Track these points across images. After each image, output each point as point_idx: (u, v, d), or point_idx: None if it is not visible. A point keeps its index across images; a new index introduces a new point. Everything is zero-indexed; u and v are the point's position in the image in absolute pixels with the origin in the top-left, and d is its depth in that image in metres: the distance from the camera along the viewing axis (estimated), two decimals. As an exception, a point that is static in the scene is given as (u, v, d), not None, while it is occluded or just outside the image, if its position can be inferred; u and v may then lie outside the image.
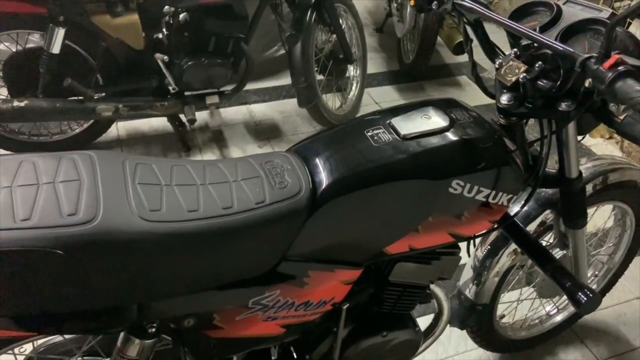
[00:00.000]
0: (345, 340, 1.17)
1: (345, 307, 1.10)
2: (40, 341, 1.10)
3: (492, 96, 1.15)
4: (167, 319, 0.95)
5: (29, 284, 0.76)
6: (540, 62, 1.01)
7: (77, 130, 2.54)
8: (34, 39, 2.32)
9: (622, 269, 1.77)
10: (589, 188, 1.39)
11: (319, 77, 2.72)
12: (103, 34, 2.23)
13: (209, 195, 0.89)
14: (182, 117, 2.56)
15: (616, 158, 1.52)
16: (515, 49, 1.06)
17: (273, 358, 1.19)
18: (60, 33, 2.14)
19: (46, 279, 0.77)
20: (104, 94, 2.33)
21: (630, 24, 2.40)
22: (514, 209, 1.19)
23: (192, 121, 2.48)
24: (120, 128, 2.76)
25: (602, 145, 2.80)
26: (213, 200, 0.88)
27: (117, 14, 2.22)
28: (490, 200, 1.05)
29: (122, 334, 0.97)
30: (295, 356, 1.20)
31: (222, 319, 0.99)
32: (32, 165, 0.83)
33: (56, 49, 2.16)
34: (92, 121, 2.51)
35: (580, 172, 1.24)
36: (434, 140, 1.01)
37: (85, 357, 1.10)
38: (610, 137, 2.84)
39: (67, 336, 1.10)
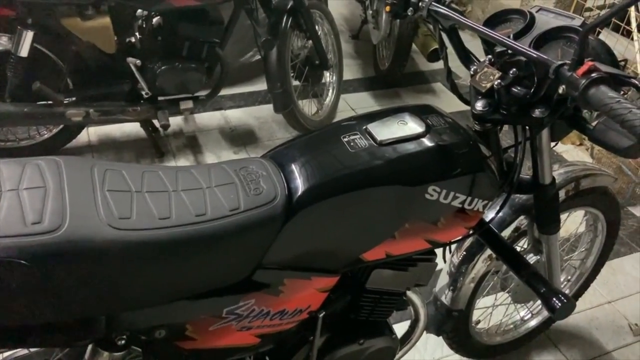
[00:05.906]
0: (322, 349, 1.16)
1: (321, 315, 1.09)
2: (4, 354, 1.06)
3: (467, 103, 1.16)
4: (137, 331, 0.92)
5: (-9, 295, 0.73)
6: (514, 69, 1.01)
7: (46, 135, 2.47)
8: (2, 42, 2.25)
9: (594, 273, 1.80)
10: (561, 194, 1.41)
11: (295, 83, 2.71)
12: (73, 37, 2.18)
13: (181, 202, 0.87)
14: (156, 122, 2.51)
15: (588, 164, 1.55)
16: (490, 56, 1.07)
17: (248, 368, 1.17)
18: (28, 36, 2.08)
19: (9, 291, 0.73)
20: (74, 99, 2.28)
21: (600, 32, 2.46)
22: (489, 215, 1.20)
23: (166, 126, 2.45)
24: (91, 133, 2.70)
25: (573, 152, 2.86)
26: (186, 207, 0.86)
27: (88, 17, 2.18)
28: (466, 206, 1.05)
29: (90, 347, 0.93)
30: (270, 366, 1.18)
31: (195, 329, 0.96)
32: (-6, 172, 0.80)
33: (24, 52, 2.10)
34: (61, 126, 2.44)
35: (554, 178, 1.25)
36: (410, 146, 1.00)
37: (51, 371, 1.06)
38: (581, 144, 2.89)
39: (32, 349, 1.06)
